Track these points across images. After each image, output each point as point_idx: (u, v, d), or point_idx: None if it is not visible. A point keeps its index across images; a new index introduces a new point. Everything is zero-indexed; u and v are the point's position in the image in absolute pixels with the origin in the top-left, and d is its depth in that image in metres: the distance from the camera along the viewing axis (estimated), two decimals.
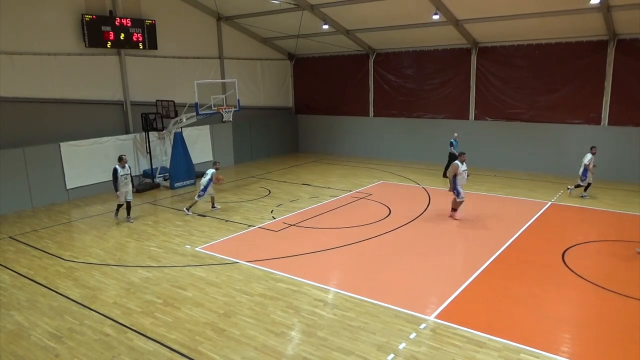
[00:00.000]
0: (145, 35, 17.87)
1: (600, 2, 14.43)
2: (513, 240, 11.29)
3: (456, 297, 8.43)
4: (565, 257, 10.18)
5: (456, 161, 12.91)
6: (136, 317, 7.92)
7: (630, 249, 10.62)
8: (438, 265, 9.94)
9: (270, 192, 16.53)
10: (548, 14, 16.18)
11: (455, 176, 12.75)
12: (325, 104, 25.00)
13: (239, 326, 7.53)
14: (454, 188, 12.85)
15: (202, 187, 13.76)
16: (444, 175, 18.10)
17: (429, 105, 21.81)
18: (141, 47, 17.87)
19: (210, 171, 13.80)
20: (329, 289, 8.85)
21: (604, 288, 8.74)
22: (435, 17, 17.12)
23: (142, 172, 18.00)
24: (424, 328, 7.40)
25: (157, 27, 18.29)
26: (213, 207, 14.36)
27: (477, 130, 20.64)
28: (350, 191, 16.47)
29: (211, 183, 13.72)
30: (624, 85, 17.29)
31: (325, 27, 19.44)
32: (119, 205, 13.38)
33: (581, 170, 14.75)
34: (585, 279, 9.12)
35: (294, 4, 18.14)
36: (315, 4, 18.32)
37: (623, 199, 14.90)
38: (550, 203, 14.51)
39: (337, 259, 10.42)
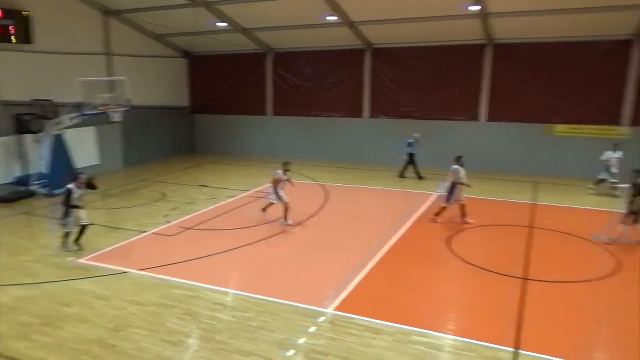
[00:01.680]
0: (19, 28, 16.16)
1: (479, 9, 15.73)
2: (405, 231, 11.95)
3: (353, 288, 8.71)
4: (450, 244, 10.99)
5: (456, 166, 12.36)
6: (8, 343, 7.09)
7: (505, 232, 11.74)
8: (335, 259, 10.19)
9: (165, 195, 15.83)
10: (433, 19, 17.30)
11: (454, 183, 12.32)
12: (223, 103, 24.51)
13: (131, 340, 7.10)
14: (449, 193, 12.45)
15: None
16: (401, 176, 18.50)
17: (326, 105, 22.32)
18: (14, 41, 16.15)
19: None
20: (228, 292, 8.68)
21: (484, 269, 9.55)
22: (330, 18, 17.55)
23: (15, 180, 16.17)
24: (323, 321, 7.55)
25: (34, 20, 16.64)
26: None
27: (372, 128, 21.52)
28: (249, 191, 16.32)
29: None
30: (500, 85, 19.06)
31: (222, 25, 19.03)
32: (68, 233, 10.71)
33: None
34: (467, 262, 9.91)
35: (189, 0, 17.53)
36: (211, 1, 17.85)
37: (498, 188, 16.41)
38: (435, 194, 15.55)
39: (236, 260, 10.26)
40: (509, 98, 18.99)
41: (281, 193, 12.46)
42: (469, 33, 18.28)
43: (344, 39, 20.27)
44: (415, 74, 20.35)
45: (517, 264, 9.79)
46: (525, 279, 9.07)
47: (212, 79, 24.52)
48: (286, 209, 12.45)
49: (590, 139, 17.82)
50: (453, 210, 12.62)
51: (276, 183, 12.43)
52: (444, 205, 12.56)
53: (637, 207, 10.72)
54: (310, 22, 18.96)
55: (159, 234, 11.90)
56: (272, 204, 12.72)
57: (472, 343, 6.95)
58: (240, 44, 21.91)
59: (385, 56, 20.81)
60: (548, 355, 6.61)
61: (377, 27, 19.02)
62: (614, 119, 17.67)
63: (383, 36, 19.91)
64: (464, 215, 12.50)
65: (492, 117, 19.46)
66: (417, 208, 13.92)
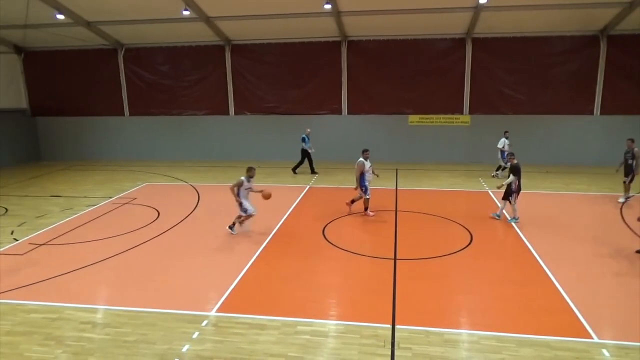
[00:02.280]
0: None
1: (331, 7, 16.42)
2: (282, 224, 12.08)
3: (235, 287, 8.56)
4: (325, 232, 11.38)
5: (361, 159, 12.45)
6: None
7: (375, 217, 12.51)
8: (214, 260, 9.92)
9: (6, 210, 13.88)
10: (290, 15, 17.64)
11: (362, 174, 12.42)
12: (71, 104, 22.22)
13: None
14: (361, 186, 12.49)
15: None
16: (294, 171, 18.28)
17: (189, 102, 21.54)
18: None
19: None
20: (97, 308, 7.92)
21: (358, 254, 10.08)
22: (185, 12, 16.89)
23: None
24: (206, 325, 7.29)
25: None
26: None
27: (239, 125, 21.31)
28: (111, 197, 15.07)
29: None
30: (357, 79, 20.18)
31: (60, 17, 17.15)
32: None
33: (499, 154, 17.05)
34: (343, 249, 10.36)
35: None
36: None
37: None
38: (308, 186, 15.99)
39: (103, 272, 9.40)
40: (366, 91, 20.23)
41: (246, 204, 11.26)
42: (324, 30, 19.03)
43: (202, 35, 19.72)
44: (276, 69, 20.62)
45: (388, 246, 10.51)
46: (396, 259, 9.78)
47: (54, 78, 22.07)
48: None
49: (439, 127, 19.84)
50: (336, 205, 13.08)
51: (236, 189, 11.09)
52: (366, 197, 12.64)
53: (514, 186, 12.01)
54: (163, 16, 18.06)
55: (5, 254, 10.39)
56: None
57: (353, 325, 7.28)
58: (86, 39, 20.04)
59: (246, 52, 20.73)
60: (421, 326, 7.22)
61: (234, 23, 18.83)
62: (456, 109, 19.86)
63: (242, 32, 19.79)
64: (366, 207, 12.77)
65: (352, 110, 20.56)
66: (292, 201, 14.17)
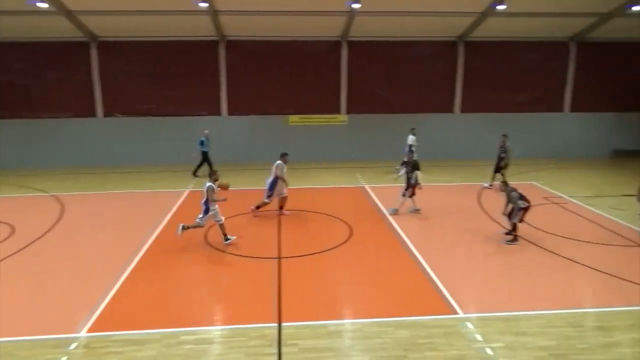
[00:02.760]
0: None
1: (207, 5, 15.99)
2: (160, 232, 11.47)
3: (108, 304, 7.92)
4: (207, 237, 11.04)
5: (280, 162, 12.45)
6: None
7: (258, 218, 12.45)
8: (83, 275, 9.08)
9: None
10: (166, 12, 16.84)
11: (275, 178, 12.34)
12: None
13: None
14: (269, 189, 12.45)
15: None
16: (194, 174, 17.26)
17: (49, 104, 19.48)
18: None
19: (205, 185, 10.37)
20: None
21: (243, 256, 9.94)
22: (41, 5, 15.28)
23: None
24: (76, 347, 6.65)
25: None
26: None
27: (109, 128, 19.83)
28: None
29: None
30: (236, 79, 19.91)
31: None
32: None
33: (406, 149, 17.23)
34: (226, 252, 10.14)
35: None
36: None
37: (248, 177, 17.25)
38: (188, 191, 15.41)
39: None
40: (246, 92, 20.07)
41: (214, 209, 10.48)
42: (202, 29, 18.50)
43: (63, 30, 17.97)
44: (150, 69, 19.55)
45: (272, 246, 10.52)
46: (280, 258, 9.82)
47: None
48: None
49: (318, 126, 20.37)
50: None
51: (209, 196, 10.37)
52: (265, 200, 12.54)
53: (413, 181, 12.66)
54: (15, 8, 16.14)
55: None
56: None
57: (239, 328, 7.17)
58: None
59: (116, 50, 19.36)
60: (306, 321, 7.34)
61: (101, 18, 17.49)
62: (334, 108, 20.56)
63: (110, 28, 18.46)
64: (281, 207, 12.73)
65: (233, 111, 20.27)
66: (170, 207, 13.52)
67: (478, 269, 9.50)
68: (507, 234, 11.09)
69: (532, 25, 19.08)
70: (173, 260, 9.80)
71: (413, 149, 17.21)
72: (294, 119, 20.39)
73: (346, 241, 10.91)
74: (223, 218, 10.61)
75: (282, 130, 20.32)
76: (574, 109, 21.31)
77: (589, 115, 21.27)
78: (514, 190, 10.80)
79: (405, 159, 17.74)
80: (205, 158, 17.63)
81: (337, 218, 12.54)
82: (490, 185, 15.53)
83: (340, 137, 20.57)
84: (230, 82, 20.02)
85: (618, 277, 8.95)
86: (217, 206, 10.50)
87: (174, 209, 13.47)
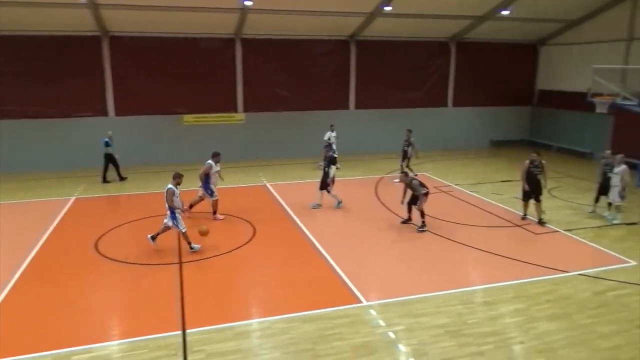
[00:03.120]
0: None
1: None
2: (42, 244, 10.43)
3: None
4: (97, 247, 10.27)
5: (210, 161, 12.20)
6: None
7: (154, 223, 11.82)
8: None
9: None
10: (38, 4, 15.28)
11: (207, 176, 12.04)
12: None
13: None
14: (206, 188, 12.14)
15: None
16: (104, 181, 15.80)
17: None
18: None
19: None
20: None
21: (139, 264, 9.38)
22: None
23: None
24: None
25: None
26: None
27: None
28: None
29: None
30: (123, 77, 18.67)
31: None
32: None
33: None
34: (120, 261, 9.50)
35: None
36: None
37: (143, 181, 16.33)
38: (74, 198, 14.21)
39: None
40: (134, 91, 18.92)
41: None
42: (82, 23, 17.09)
43: None
44: (27, 66, 17.63)
45: (171, 251, 10.06)
46: (181, 263, 9.42)
47: None
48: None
49: (215, 126, 19.86)
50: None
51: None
52: (214, 199, 12.29)
53: (330, 177, 12.95)
54: None
55: None
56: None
57: (140, 340, 6.76)
58: None
59: None
60: (212, 325, 7.13)
61: None
62: (231, 107, 20.17)
63: None
64: (215, 210, 12.42)
65: (120, 111, 19.00)
66: (53, 217, 12.34)
67: (378, 257, 9.91)
68: (403, 222, 11.85)
69: (417, 26, 20.29)
70: (59, 275, 8.96)
71: (333, 145, 17.63)
72: (188, 118, 19.65)
73: (249, 241, 10.78)
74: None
75: (176, 130, 19.49)
76: (456, 104, 23.06)
77: (469, 110, 23.16)
78: (414, 179, 11.59)
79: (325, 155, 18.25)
80: (112, 160, 16.45)
81: (240, 218, 12.34)
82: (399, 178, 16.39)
83: (239, 136, 20.26)
84: (116, 81, 18.72)
85: (500, 255, 9.87)
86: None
87: (59, 217, 12.30)
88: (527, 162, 11.78)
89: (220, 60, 19.66)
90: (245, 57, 19.87)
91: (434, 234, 11.21)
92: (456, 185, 15.76)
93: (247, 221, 12.03)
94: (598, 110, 15.60)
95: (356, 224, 12.01)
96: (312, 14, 18.08)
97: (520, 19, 19.45)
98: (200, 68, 19.40)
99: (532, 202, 11.90)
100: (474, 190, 15.09)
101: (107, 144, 16.21)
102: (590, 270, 9.16)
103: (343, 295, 8.15)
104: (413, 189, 11.49)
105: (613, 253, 10.08)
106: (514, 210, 12.86)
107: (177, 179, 10.09)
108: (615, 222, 11.98)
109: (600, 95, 15.61)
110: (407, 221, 11.84)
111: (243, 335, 6.97)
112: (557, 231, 11.30)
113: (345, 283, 8.61)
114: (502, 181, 16.34)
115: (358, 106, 21.71)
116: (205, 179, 12.14)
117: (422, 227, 11.39)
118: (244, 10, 17.18)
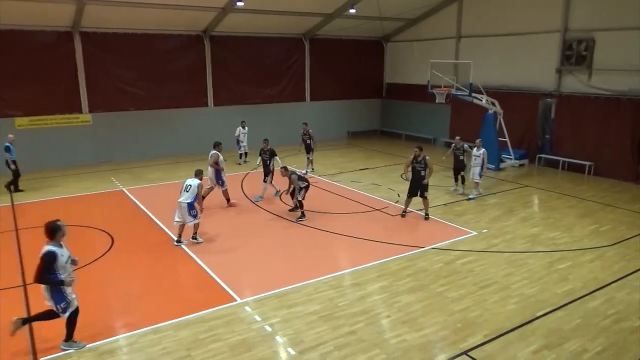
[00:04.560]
0: None
1: None
2: None
3: None
4: None
5: (215, 151, 12.58)
6: None
7: None
8: None
9: None
10: None
11: (217, 164, 12.46)
12: None
13: None
14: (218, 178, 12.54)
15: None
16: (14, 189, 13.94)
17: None
18: None
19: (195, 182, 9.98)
20: None
21: None
22: None
23: None
24: None
25: None
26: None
27: None
28: None
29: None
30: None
31: None
32: None
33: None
34: None
35: None
36: None
37: None
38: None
39: None
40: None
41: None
42: None
43: None
44: None
45: (11, 273, 8.79)
46: (25, 285, 8.29)
47: None
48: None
49: (56, 129, 17.81)
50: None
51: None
52: (224, 189, 12.69)
53: (272, 168, 13.25)
54: None
55: None
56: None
57: None
58: None
59: None
60: (65, 351, 6.40)
61: None
62: (75, 107, 18.25)
63: None
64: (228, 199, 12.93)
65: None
66: None
67: (249, 254, 9.83)
68: (291, 210, 12.19)
69: (270, 22, 20.44)
70: None
71: (243, 142, 18.16)
72: (22, 122, 17.29)
73: (108, 251, 9.91)
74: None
75: (4, 136, 17.06)
76: (313, 98, 23.86)
77: (327, 103, 24.14)
78: (294, 172, 11.92)
79: (240, 152, 18.76)
80: (16, 167, 14.39)
81: (94, 228, 11.26)
82: (306, 172, 16.45)
83: (86, 138, 18.45)
84: None
85: (364, 239, 10.47)
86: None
87: None
88: (411, 157, 11.77)
89: (57, 56, 17.65)
90: (87, 52, 18.11)
91: (302, 224, 11.48)
92: (319, 176, 16.32)
93: (103, 231, 11.03)
94: (437, 100, 17.31)
95: (223, 222, 11.76)
96: (160, 8, 17.17)
97: (365, 17, 20.76)
98: (34, 65, 17.20)
99: (415, 198, 11.94)
100: (335, 180, 15.78)
101: (7, 149, 14.24)
102: (440, 244, 10.19)
103: (217, 296, 7.93)
104: (292, 182, 11.79)
105: (458, 226, 11.35)
106: (373, 196, 13.75)
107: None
108: (471, 197, 13.60)
109: (439, 87, 17.36)
110: (294, 209, 12.10)
111: (108, 354, 6.38)
112: (411, 211, 12.34)
113: (218, 283, 8.38)
114: (360, 169, 17.36)
115: (217, 103, 21.26)
116: (217, 171, 12.54)
117: (301, 218, 11.72)
118: (81, 2, 15.64)
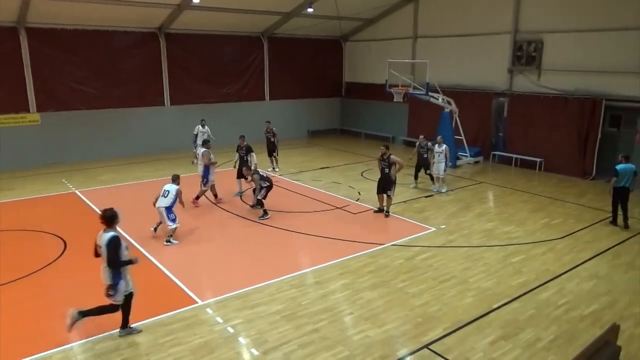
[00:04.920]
0: None
1: None
2: None
3: None
4: None
5: (205, 149, 12.99)
6: None
7: None
8: None
9: None
10: None
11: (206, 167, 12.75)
12: None
13: None
14: (206, 175, 12.83)
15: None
16: None
17: None
18: None
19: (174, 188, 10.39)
20: None
21: None
22: None
23: None
24: None
25: None
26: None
27: None
28: None
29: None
30: None
31: None
32: None
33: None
34: None
35: None
36: None
37: None
38: None
39: None
40: None
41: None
42: None
43: None
44: None
45: None
46: None
47: None
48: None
49: (2, 129, 16.93)
50: None
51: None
52: (203, 188, 12.81)
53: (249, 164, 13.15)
54: None
55: None
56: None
57: None
58: None
59: None
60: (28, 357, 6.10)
61: None
62: (21, 107, 17.40)
63: None
64: (215, 194, 13.17)
65: None
66: None
67: (210, 255, 9.67)
68: (251, 207, 12.21)
69: (227, 20, 20.15)
70: None
71: (198, 140, 17.07)
72: None
73: (61, 255, 9.51)
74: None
75: None
76: (273, 97, 23.71)
77: (286, 102, 24.04)
78: (256, 172, 11.97)
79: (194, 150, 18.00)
80: None
81: (45, 232, 10.78)
82: (274, 169, 16.58)
83: (34, 139, 17.63)
84: None
85: (326, 237, 10.49)
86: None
87: None
88: (379, 155, 11.99)
89: (1, 53, 16.76)
90: (34, 49, 17.30)
91: (263, 224, 11.39)
92: (280, 175, 16.24)
93: (55, 235, 10.57)
94: (395, 99, 17.57)
95: (183, 222, 11.49)
96: (111, 3, 16.62)
97: (323, 16, 20.81)
98: None
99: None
100: (295, 179, 15.75)
101: None
102: (401, 240, 10.35)
103: (177, 299, 7.75)
104: (254, 182, 11.82)
105: (417, 222, 11.56)
106: (334, 194, 13.81)
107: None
108: (443, 191, 14.03)
109: (396, 86, 17.63)
110: (254, 207, 12.08)
111: None
112: (372, 209, 12.47)
113: (178, 286, 8.20)
114: (321, 168, 17.40)
115: (173, 102, 20.79)
116: (206, 168, 12.75)
117: (263, 216, 11.72)
118: None
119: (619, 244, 10.30)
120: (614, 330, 5.10)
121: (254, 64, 22.86)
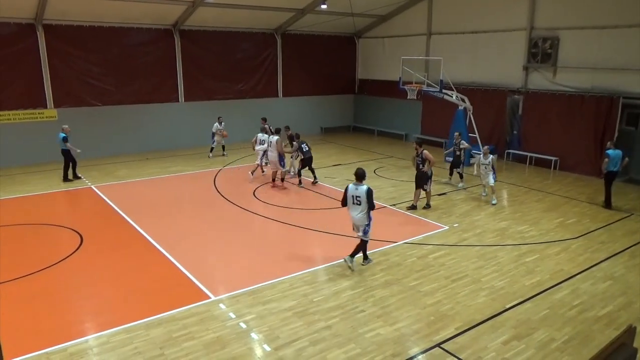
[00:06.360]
0: None
1: None
2: None
3: None
4: None
5: (277, 137, 13.91)
6: None
7: None
8: None
9: None
10: None
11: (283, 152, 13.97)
12: None
13: None
14: (281, 160, 13.99)
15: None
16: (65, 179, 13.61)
17: None
18: None
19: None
20: None
21: None
22: None
23: None
24: None
25: None
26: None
27: None
28: None
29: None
30: None
31: None
32: None
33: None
34: None
35: None
36: None
37: None
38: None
39: None
40: None
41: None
42: None
43: None
44: None
45: None
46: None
47: None
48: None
49: (20, 125, 17.22)
50: None
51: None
52: (284, 170, 14.23)
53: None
54: None
55: None
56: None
57: None
58: None
59: None
60: (38, 351, 6.23)
61: None
62: (39, 102, 17.67)
63: None
64: (274, 179, 14.50)
65: None
66: None
67: (223, 250, 9.75)
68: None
69: (241, 17, 20.23)
70: None
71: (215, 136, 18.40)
72: None
73: (77, 249, 9.66)
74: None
75: None
76: (286, 94, 23.75)
77: (300, 99, 24.08)
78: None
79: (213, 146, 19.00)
80: (67, 157, 14.77)
81: (61, 226, 10.96)
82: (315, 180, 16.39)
83: (51, 134, 17.86)
84: None
85: (338, 234, 10.50)
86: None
87: None
88: (414, 153, 12.28)
89: (19, 49, 17.02)
90: (51, 46, 17.54)
91: (277, 221, 11.44)
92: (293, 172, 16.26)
93: (72, 229, 10.75)
94: (409, 96, 17.48)
95: (197, 218, 11.62)
96: (126, 0, 16.74)
97: (336, 13, 20.76)
98: None
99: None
100: (309, 176, 15.77)
101: (65, 140, 14.63)
102: (414, 238, 10.33)
103: (190, 294, 7.83)
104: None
105: (430, 221, 11.52)
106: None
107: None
108: (493, 202, 12.92)
109: (410, 83, 17.54)
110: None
111: (77, 355, 6.22)
112: (385, 206, 12.46)
113: (191, 281, 8.28)
114: (334, 165, 17.40)
115: (188, 98, 20.94)
116: (279, 156, 13.85)
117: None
118: None
119: (634, 245, 10.17)
120: (631, 332, 5.03)
121: (268, 60, 22.90)
